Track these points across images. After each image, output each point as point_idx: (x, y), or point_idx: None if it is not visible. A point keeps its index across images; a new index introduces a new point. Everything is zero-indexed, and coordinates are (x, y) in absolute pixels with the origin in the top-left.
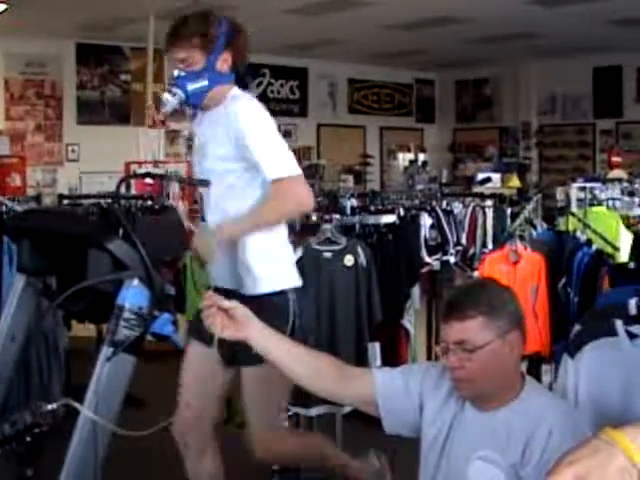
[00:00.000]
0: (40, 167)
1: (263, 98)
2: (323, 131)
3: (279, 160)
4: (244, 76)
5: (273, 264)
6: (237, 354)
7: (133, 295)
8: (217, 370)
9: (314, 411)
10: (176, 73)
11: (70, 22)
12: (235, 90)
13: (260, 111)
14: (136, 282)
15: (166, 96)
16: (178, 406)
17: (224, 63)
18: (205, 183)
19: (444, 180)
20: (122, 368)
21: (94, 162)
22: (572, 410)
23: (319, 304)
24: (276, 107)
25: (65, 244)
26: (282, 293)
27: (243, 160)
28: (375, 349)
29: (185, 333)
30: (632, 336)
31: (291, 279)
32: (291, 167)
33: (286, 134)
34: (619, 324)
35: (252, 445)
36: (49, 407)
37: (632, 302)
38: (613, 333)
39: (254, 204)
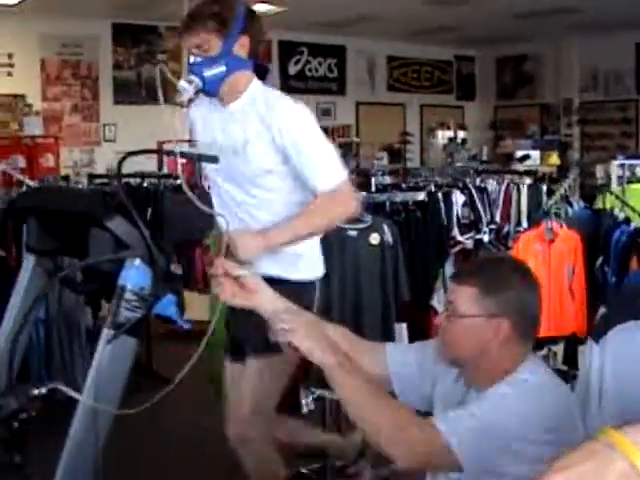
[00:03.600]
0: (77, 147)
1: (301, 76)
2: (362, 109)
3: (329, 171)
4: (262, 67)
5: (309, 255)
6: (245, 344)
7: (135, 275)
8: None
9: None
10: (192, 59)
11: (106, 2)
12: (257, 82)
13: (305, 116)
14: (138, 262)
15: (182, 84)
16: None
17: (241, 48)
18: (213, 159)
19: (484, 158)
20: (123, 351)
21: (131, 142)
22: (567, 392)
23: (344, 283)
24: (314, 85)
25: (71, 223)
26: (311, 282)
27: (285, 165)
28: (402, 330)
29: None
30: None
31: (320, 269)
32: (338, 174)
33: (324, 112)
34: None
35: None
36: (36, 392)
37: None
38: None
39: (296, 210)
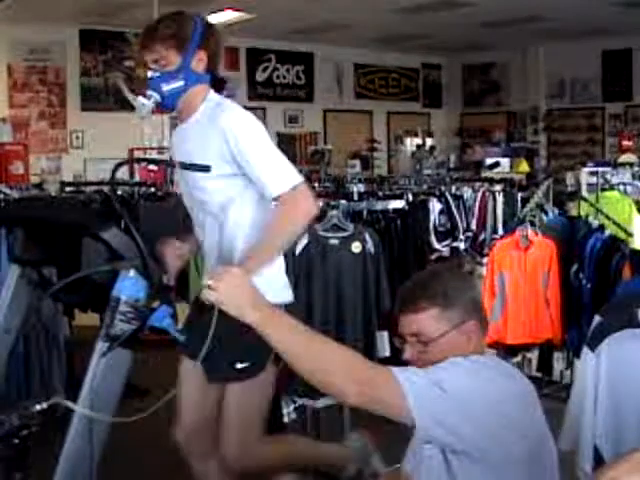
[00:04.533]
0: (44, 154)
1: (269, 83)
2: (329, 116)
3: (279, 175)
4: (220, 80)
5: (265, 282)
6: (219, 370)
7: (129, 287)
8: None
9: (321, 402)
10: (150, 75)
11: (73, 8)
12: (213, 95)
13: (253, 123)
14: (132, 273)
15: (141, 100)
16: (177, 414)
17: (200, 62)
18: (205, 169)
19: (452, 165)
20: (119, 363)
21: (99, 149)
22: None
23: (326, 292)
24: (282, 92)
25: (60, 233)
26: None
27: (239, 175)
28: (384, 338)
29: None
30: None
31: (282, 296)
32: (292, 178)
33: (292, 119)
34: None
35: (229, 462)
36: (38, 407)
37: None
38: (635, 324)
39: (254, 226)
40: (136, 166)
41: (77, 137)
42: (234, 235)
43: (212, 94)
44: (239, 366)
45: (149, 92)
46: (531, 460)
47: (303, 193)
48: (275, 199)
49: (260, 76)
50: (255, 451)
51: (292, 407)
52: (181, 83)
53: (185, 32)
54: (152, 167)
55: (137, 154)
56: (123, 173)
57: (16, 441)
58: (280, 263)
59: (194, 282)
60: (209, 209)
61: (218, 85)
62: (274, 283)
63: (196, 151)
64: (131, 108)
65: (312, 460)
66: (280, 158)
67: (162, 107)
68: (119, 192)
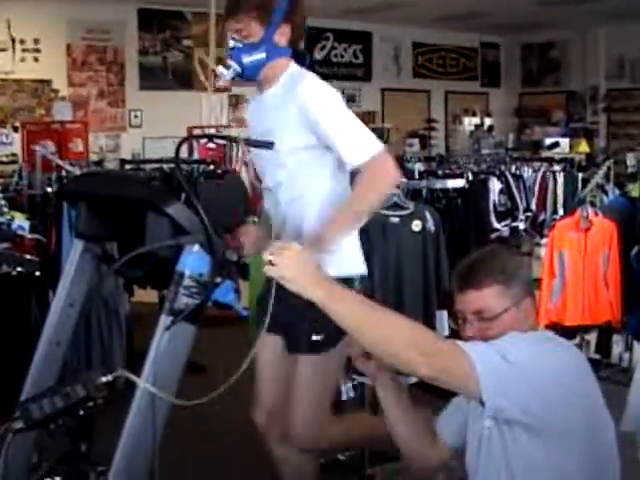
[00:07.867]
0: (103, 133)
1: (327, 62)
2: (387, 95)
3: (359, 144)
4: (301, 54)
5: (342, 249)
6: (295, 341)
7: (193, 261)
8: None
9: None
10: (232, 44)
11: None
12: (294, 67)
13: (330, 92)
14: (197, 248)
15: (221, 69)
16: (256, 395)
17: (282, 36)
18: (269, 145)
19: (510, 145)
20: (182, 338)
21: (157, 127)
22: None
23: (385, 270)
24: (340, 71)
25: (123, 209)
26: (348, 279)
27: (315, 145)
28: (443, 317)
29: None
30: None
31: (358, 266)
32: (372, 146)
33: (350, 99)
34: None
35: (294, 440)
36: (103, 379)
37: None
38: None
39: (334, 196)
40: (195, 144)
41: (135, 116)
42: (311, 210)
43: (294, 67)
44: (314, 338)
45: (229, 62)
46: (590, 432)
47: (384, 161)
48: (356, 169)
49: (318, 55)
50: (321, 430)
51: (350, 385)
52: (262, 55)
53: (270, 4)
54: (211, 145)
55: (196, 133)
56: (182, 151)
57: (81, 412)
58: (356, 235)
59: (254, 260)
60: (288, 179)
61: (298, 59)
62: (351, 255)
63: (275, 124)
64: (189, 87)
65: (374, 442)
66: (358, 126)
67: (241, 78)
68: None
